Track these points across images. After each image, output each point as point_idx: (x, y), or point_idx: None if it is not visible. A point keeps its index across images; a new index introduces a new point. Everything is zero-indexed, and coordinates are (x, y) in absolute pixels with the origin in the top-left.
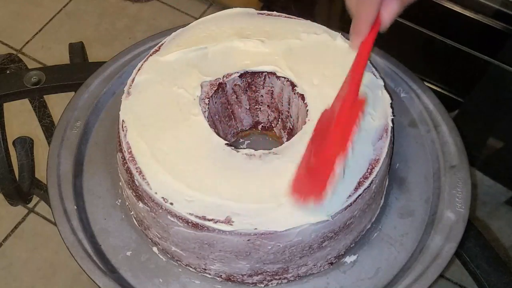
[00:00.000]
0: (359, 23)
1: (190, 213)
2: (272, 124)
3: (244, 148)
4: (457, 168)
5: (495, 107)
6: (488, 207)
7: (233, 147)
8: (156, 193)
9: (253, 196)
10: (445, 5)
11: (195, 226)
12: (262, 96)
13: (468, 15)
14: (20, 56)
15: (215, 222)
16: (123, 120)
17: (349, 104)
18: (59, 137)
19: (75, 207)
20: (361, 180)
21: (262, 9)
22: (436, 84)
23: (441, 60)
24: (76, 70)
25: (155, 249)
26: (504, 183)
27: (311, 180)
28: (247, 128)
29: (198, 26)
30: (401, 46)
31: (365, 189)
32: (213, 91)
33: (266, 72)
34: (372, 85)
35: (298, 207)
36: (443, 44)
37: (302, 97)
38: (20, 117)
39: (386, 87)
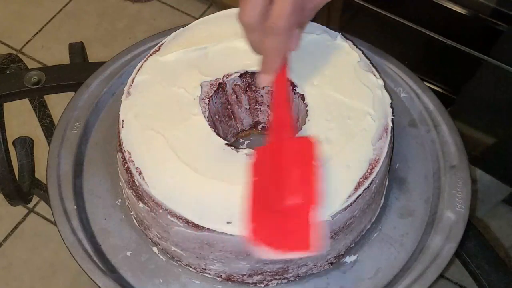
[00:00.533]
0: (269, 59)
1: (190, 213)
2: None
3: (244, 148)
4: (457, 168)
5: (488, 104)
6: (487, 205)
7: (233, 147)
8: (156, 193)
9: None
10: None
11: (195, 226)
12: (262, 96)
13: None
14: (20, 56)
15: (215, 222)
16: (123, 120)
17: (289, 144)
18: (59, 137)
19: (75, 207)
20: (361, 180)
21: None
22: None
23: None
24: (76, 70)
25: (155, 249)
26: (501, 180)
27: (282, 229)
28: (247, 128)
29: (198, 26)
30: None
31: (365, 189)
32: (213, 91)
33: None
34: (372, 85)
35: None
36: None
37: (302, 97)
38: (20, 117)
39: (386, 87)
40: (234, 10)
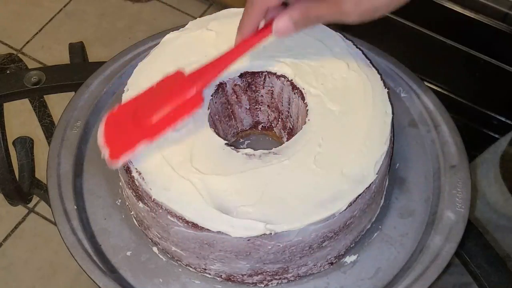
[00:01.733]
0: (242, 23)
1: (190, 213)
2: (272, 124)
3: (244, 148)
4: (457, 168)
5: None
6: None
7: (233, 147)
8: (156, 193)
9: (253, 196)
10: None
11: (195, 226)
12: (262, 96)
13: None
14: (20, 56)
15: (215, 223)
16: None
17: (185, 87)
18: (59, 137)
19: (75, 207)
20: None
21: None
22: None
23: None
24: (76, 70)
25: (155, 249)
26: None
27: (120, 131)
28: (247, 128)
29: (197, 26)
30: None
31: (365, 189)
32: (213, 91)
33: (266, 72)
34: (373, 83)
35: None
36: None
37: (302, 97)
38: (20, 117)
39: (386, 85)
40: (234, 10)
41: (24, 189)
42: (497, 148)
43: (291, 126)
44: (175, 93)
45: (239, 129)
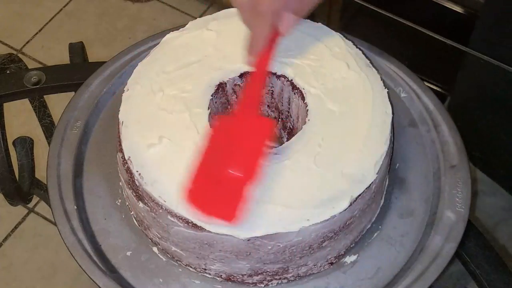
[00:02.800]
0: (254, 39)
1: (190, 213)
2: None
3: None
4: (457, 168)
5: (479, 99)
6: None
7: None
8: (156, 193)
9: (253, 196)
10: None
11: (195, 226)
12: (262, 96)
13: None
14: (20, 56)
15: (215, 223)
16: (123, 120)
17: (250, 122)
18: (59, 137)
19: (75, 207)
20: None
21: None
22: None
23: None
24: (76, 70)
25: (155, 249)
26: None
27: (215, 196)
28: None
29: (197, 26)
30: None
31: (365, 189)
32: (213, 91)
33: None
34: (373, 83)
35: (201, 217)
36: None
37: (302, 97)
38: (20, 117)
39: (386, 84)
40: (234, 10)
41: (24, 189)
42: None
43: (291, 126)
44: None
45: None
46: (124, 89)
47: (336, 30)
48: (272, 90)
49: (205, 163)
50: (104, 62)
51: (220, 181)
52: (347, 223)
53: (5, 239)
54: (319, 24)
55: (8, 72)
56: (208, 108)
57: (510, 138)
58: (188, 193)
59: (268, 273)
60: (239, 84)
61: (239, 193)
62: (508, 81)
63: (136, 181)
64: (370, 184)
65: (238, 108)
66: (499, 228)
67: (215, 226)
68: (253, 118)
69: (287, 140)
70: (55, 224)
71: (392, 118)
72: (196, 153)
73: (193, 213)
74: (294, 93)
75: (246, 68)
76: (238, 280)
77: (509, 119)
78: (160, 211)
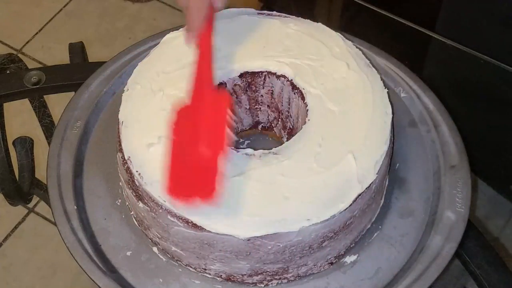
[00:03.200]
0: (192, 17)
1: (190, 213)
2: (272, 124)
3: (244, 148)
4: (457, 168)
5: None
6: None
7: (233, 147)
8: (156, 193)
9: (253, 196)
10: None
11: (195, 226)
12: (262, 96)
13: None
14: (20, 56)
15: (215, 223)
16: (123, 120)
17: (207, 100)
18: (59, 137)
19: (75, 207)
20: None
21: (262, 9)
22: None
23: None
24: (76, 70)
25: (155, 249)
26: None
27: (192, 180)
28: (247, 128)
29: None
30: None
31: (365, 189)
32: None
33: (266, 72)
34: (373, 82)
35: (187, 207)
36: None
37: (302, 96)
38: (20, 117)
39: (385, 84)
40: (234, 10)
41: (24, 189)
42: None
43: (291, 126)
44: (197, 112)
45: (239, 129)
46: (124, 89)
47: (336, 30)
48: (272, 90)
49: (175, 154)
50: (104, 62)
51: (194, 164)
52: (347, 223)
53: (5, 239)
54: (319, 24)
55: (8, 72)
56: None
57: (478, 124)
58: (169, 188)
59: (268, 273)
60: (239, 84)
61: (213, 169)
62: (474, 65)
63: (136, 181)
64: (370, 184)
65: (191, 91)
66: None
67: (215, 226)
68: (209, 95)
69: (287, 140)
70: (55, 224)
71: (392, 118)
72: (166, 149)
73: (180, 207)
74: (294, 93)
75: (246, 68)
76: (238, 280)
77: (478, 104)
78: (160, 211)
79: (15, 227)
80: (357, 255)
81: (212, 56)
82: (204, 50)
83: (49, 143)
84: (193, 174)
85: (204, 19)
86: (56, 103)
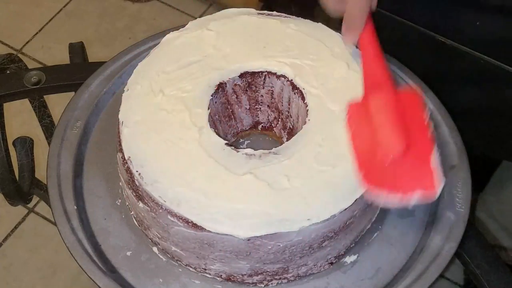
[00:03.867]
0: (351, 17)
1: (190, 213)
2: (272, 124)
3: (244, 148)
4: (457, 168)
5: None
6: None
7: (233, 147)
8: (156, 193)
9: (253, 196)
10: None
11: (195, 226)
12: (262, 96)
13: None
14: (20, 56)
15: (216, 223)
16: (123, 120)
17: (400, 99)
18: (59, 137)
19: (75, 207)
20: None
21: (262, 9)
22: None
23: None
24: (76, 70)
25: (155, 249)
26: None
27: (413, 174)
28: (247, 128)
29: (197, 26)
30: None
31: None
32: (213, 91)
33: (266, 72)
34: None
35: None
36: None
37: (302, 97)
38: (20, 117)
39: None
40: (234, 10)
41: (24, 189)
42: None
43: (291, 126)
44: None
45: (239, 129)
46: (124, 89)
47: (336, 30)
48: (272, 90)
49: (362, 148)
50: (104, 62)
51: (401, 159)
52: (347, 223)
53: (5, 239)
54: (319, 24)
55: (8, 72)
56: (208, 108)
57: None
58: (364, 179)
59: (268, 273)
60: (239, 84)
61: (428, 164)
62: (416, 37)
63: (136, 181)
64: None
65: (367, 90)
66: None
67: (215, 226)
68: (398, 94)
69: (287, 140)
70: (55, 224)
71: None
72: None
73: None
74: (294, 93)
75: (246, 68)
76: (238, 280)
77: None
78: (160, 211)
79: (15, 227)
80: (357, 255)
81: (379, 51)
82: (369, 48)
83: (49, 143)
84: (410, 168)
85: (366, 17)
86: (56, 103)
